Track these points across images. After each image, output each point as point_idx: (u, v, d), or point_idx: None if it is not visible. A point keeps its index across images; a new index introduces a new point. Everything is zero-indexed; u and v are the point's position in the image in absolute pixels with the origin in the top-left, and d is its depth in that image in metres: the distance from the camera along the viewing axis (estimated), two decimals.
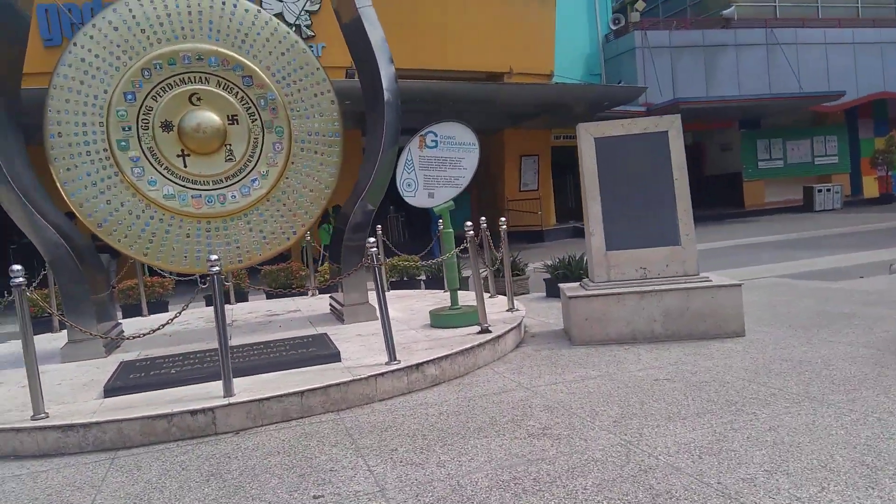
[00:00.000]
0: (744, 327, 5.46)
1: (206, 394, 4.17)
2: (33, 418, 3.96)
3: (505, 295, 6.90)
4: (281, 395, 4.08)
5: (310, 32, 17.80)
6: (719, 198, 26.79)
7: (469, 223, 5.62)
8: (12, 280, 4.01)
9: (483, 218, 7.06)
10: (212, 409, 3.94)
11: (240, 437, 3.86)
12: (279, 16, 17.43)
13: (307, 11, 17.58)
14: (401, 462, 3.27)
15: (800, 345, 5.01)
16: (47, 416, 3.99)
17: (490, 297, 7.41)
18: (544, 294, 8.58)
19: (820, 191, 24.03)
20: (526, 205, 21.38)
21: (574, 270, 8.10)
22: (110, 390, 4.41)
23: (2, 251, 17.86)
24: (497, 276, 8.05)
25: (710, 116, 24.69)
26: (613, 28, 26.09)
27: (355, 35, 6.81)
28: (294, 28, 17.58)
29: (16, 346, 6.88)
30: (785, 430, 3.28)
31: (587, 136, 5.92)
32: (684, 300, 5.49)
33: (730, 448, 3.10)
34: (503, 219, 7.11)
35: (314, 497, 2.95)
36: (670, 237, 5.76)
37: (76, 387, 4.77)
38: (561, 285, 6.45)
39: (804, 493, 2.59)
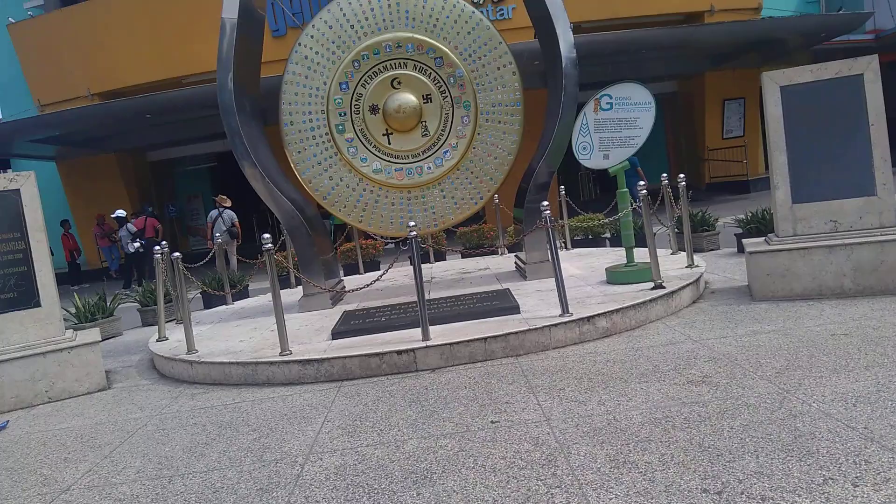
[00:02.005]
0: None
1: (409, 338, 5.01)
2: (281, 354, 5.10)
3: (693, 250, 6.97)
4: (468, 341, 4.78)
5: None
6: None
7: (663, 175, 5.75)
8: (263, 245, 5.15)
9: (664, 174, 7.11)
10: (413, 350, 4.77)
11: (435, 374, 4.64)
12: None
13: None
14: (566, 399, 3.78)
15: None
16: (291, 353, 5.10)
17: (672, 253, 7.48)
18: (735, 250, 8.37)
19: None
20: (730, 153, 20.06)
21: (768, 224, 7.81)
22: (336, 334, 5.47)
23: (249, 221, 20.99)
24: (681, 232, 8.04)
25: None
26: None
27: (535, 4, 7.17)
28: None
29: (264, 299, 8.50)
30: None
31: (772, 84, 5.74)
32: (878, 253, 5.22)
33: (888, 398, 3.16)
34: (682, 175, 7.08)
35: (492, 422, 3.59)
36: (865, 187, 5.45)
37: (311, 331, 5.92)
38: (745, 240, 6.38)
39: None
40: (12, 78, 20.82)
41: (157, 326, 6.86)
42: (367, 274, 9.77)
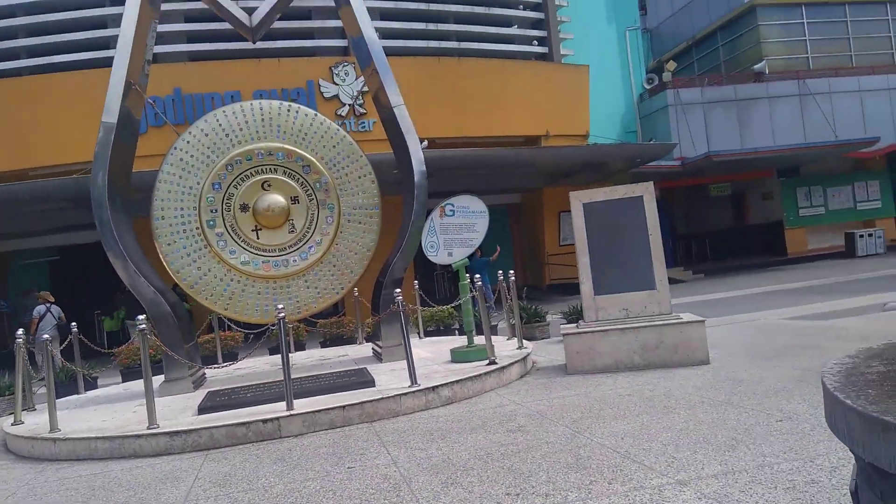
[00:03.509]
0: (708, 357, 6.54)
1: (273, 410, 5.57)
2: (149, 428, 5.43)
3: (526, 338, 8.15)
4: (328, 409, 5.44)
5: (362, 110, 19.79)
6: (762, 246, 27.23)
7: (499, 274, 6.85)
8: (138, 326, 5.57)
9: (500, 273, 8.36)
10: (277, 419, 5.33)
11: (297, 439, 5.22)
12: (336, 97, 19.60)
13: (360, 92, 19.57)
14: (411, 448, 4.56)
15: (749, 369, 6.06)
16: (158, 427, 5.45)
17: (508, 339, 8.63)
18: (561, 338, 9.72)
19: (862, 236, 24.27)
20: (566, 258, 22.45)
21: (581, 314, 9.26)
22: (202, 409, 5.88)
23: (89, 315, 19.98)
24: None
25: (747, 167, 25.51)
26: (647, 87, 27.47)
27: (391, 126, 8.42)
28: (348, 107, 19.73)
29: (117, 388, 8.54)
30: (695, 420, 4.42)
31: (577, 201, 7.24)
32: (658, 335, 6.63)
33: (646, 433, 4.27)
34: (511, 272, 8.37)
35: (348, 467, 4.26)
36: (648, 282, 6.94)
37: (176, 410, 6.24)
38: (561, 326, 7.66)
39: (681, 454, 3.75)
40: None
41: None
42: (226, 365, 10.01)
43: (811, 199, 26.67)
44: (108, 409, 6.89)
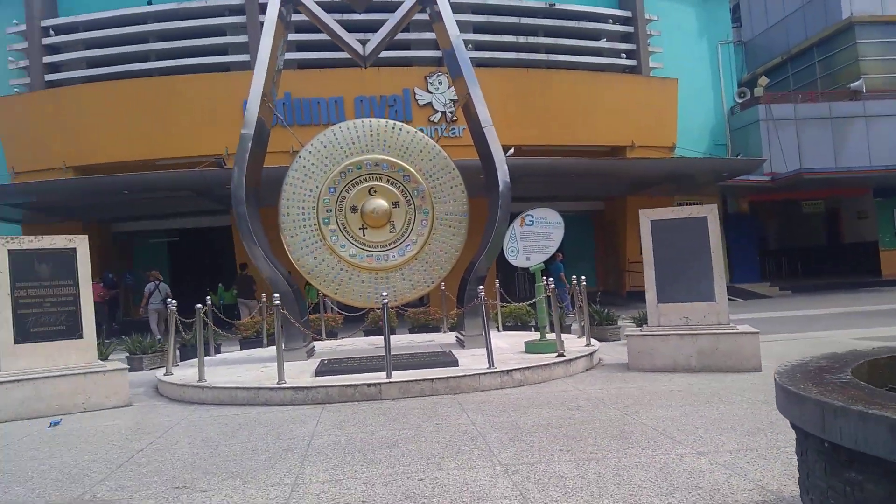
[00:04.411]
0: (760, 365, 7.22)
1: (375, 377, 6.76)
2: (278, 383, 6.74)
3: (595, 338, 9.07)
4: (420, 380, 6.60)
5: (453, 118, 20.98)
6: (855, 266, 26.53)
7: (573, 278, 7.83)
8: (274, 301, 6.90)
9: (574, 277, 9.26)
10: (379, 384, 6.53)
11: (394, 402, 6.39)
12: (429, 104, 20.90)
13: (451, 100, 20.75)
14: (486, 415, 5.61)
15: None
16: (285, 383, 6.76)
17: (579, 337, 9.52)
18: None
19: None
20: None
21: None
22: (319, 372, 7.19)
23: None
24: (591, 324, 10.15)
25: (841, 184, 24.98)
26: (739, 101, 27.27)
27: (480, 143, 9.48)
28: (440, 114, 20.97)
29: (241, 354, 10.04)
30: (730, 413, 5.25)
31: (645, 219, 8.07)
32: (714, 342, 7.38)
33: (685, 419, 5.14)
34: (583, 278, 9.26)
35: (436, 423, 5.37)
36: (708, 295, 7.69)
37: (295, 373, 7.55)
38: (627, 329, 8.50)
39: (708, 435, 4.62)
40: None
41: (141, 371, 8.38)
42: (328, 341, 11.43)
43: None
44: (239, 368, 8.34)
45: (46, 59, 21.57)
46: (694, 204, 24.82)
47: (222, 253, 22.22)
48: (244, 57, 21.02)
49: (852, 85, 25.36)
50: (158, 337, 13.66)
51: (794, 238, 30.67)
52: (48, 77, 21.63)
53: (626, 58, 23.89)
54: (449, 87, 20.49)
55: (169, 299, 14.30)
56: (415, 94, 20.88)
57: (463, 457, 4.37)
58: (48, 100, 20.91)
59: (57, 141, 20.22)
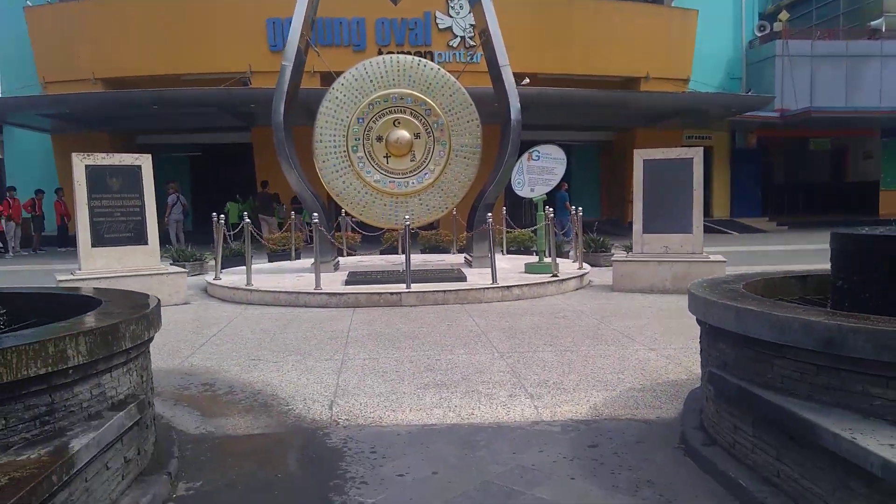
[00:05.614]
0: None
1: (397, 288, 8.03)
2: (315, 289, 8.03)
3: (589, 264, 10.27)
4: (434, 291, 7.87)
5: (472, 42, 21.41)
6: (856, 205, 27.34)
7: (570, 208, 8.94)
8: (313, 220, 8.09)
9: (574, 207, 10.36)
10: (400, 293, 7.81)
11: (412, 308, 7.68)
12: (449, 29, 21.31)
13: (471, 25, 21.12)
14: (489, 320, 6.89)
15: None
16: (321, 289, 8.04)
17: (573, 261, 10.73)
18: None
19: None
20: None
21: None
22: (348, 282, 8.48)
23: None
24: (588, 251, 11.33)
25: (850, 124, 25.44)
26: (759, 35, 27.31)
27: (496, 78, 10.37)
28: (459, 39, 21.41)
29: (272, 265, 11.34)
30: (687, 325, 6.47)
31: (639, 158, 9.07)
32: (686, 268, 8.55)
33: (648, 327, 6.39)
34: (580, 208, 10.37)
35: (448, 324, 6.65)
36: (686, 227, 8.80)
37: (326, 282, 8.82)
38: (614, 254, 9.67)
39: (662, 337, 5.86)
40: (17, 54, 22.64)
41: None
42: (349, 257, 12.71)
43: None
44: (276, 276, 9.64)
45: None
46: (703, 138, 25.62)
47: (243, 169, 23.24)
48: None
49: (872, 23, 25.34)
50: (178, 245, 14.54)
51: (800, 175, 31.30)
52: None
53: None
54: (469, 12, 20.84)
55: (185, 209, 15.82)
56: (436, 17, 21.21)
57: (469, 346, 5.66)
58: (79, 10, 21.45)
59: (86, 52, 20.90)
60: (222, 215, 9.78)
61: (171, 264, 11.82)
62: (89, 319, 2.74)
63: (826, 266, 3.70)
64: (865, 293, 3.24)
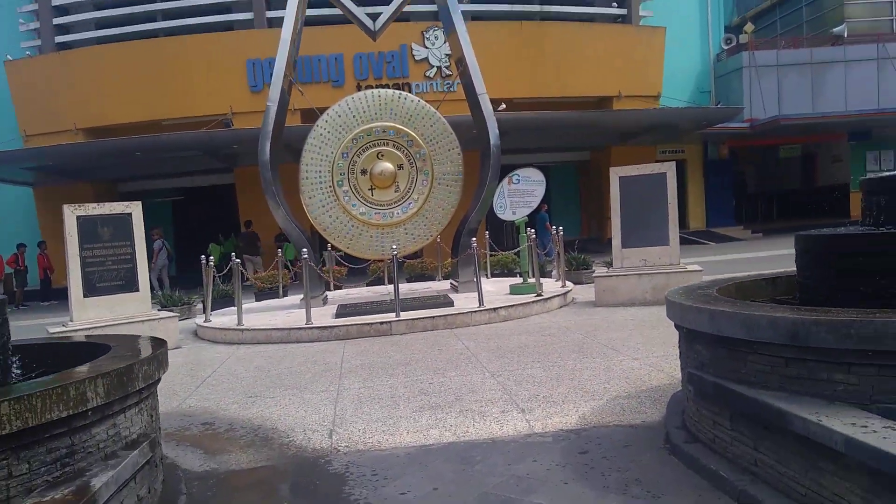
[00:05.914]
0: None
1: (386, 317, 8.20)
2: (306, 324, 8.18)
3: (571, 281, 10.51)
4: (422, 318, 8.05)
5: (448, 72, 21.80)
6: (828, 208, 27.95)
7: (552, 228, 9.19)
8: (302, 256, 8.28)
9: (555, 227, 10.64)
10: (390, 322, 7.98)
11: (402, 336, 7.85)
12: (426, 59, 21.73)
13: (446, 55, 21.53)
14: (478, 342, 7.08)
15: None
16: (312, 323, 8.19)
17: (556, 280, 10.97)
18: None
19: None
20: None
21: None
22: (338, 315, 8.63)
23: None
24: (569, 269, 11.58)
25: (818, 130, 26.13)
26: (725, 48, 28.11)
27: (474, 105, 10.67)
28: (436, 69, 21.84)
29: (262, 304, 11.47)
30: (668, 334, 6.70)
31: (615, 175, 9.38)
32: (665, 279, 8.81)
33: (631, 339, 6.61)
34: (561, 228, 10.64)
35: (438, 349, 6.82)
36: (663, 240, 9.09)
37: (317, 316, 8.94)
38: (596, 270, 9.93)
39: (645, 347, 6.08)
40: None
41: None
42: (336, 291, 12.87)
43: (880, 163, 27.04)
44: (265, 314, 9.77)
45: (56, 21, 22.21)
46: (677, 152, 26.18)
47: (226, 211, 23.30)
48: (248, 15, 21.82)
49: (834, 30, 26.18)
50: (160, 291, 14.28)
51: (771, 182, 31.95)
52: (58, 39, 22.31)
53: (617, 6, 24.62)
54: (444, 42, 21.26)
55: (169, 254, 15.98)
56: (412, 49, 21.63)
57: (460, 368, 5.84)
58: (58, 62, 21.67)
59: (67, 103, 21.08)
60: (211, 257, 9.93)
61: (159, 310, 11.97)
62: (105, 362, 2.92)
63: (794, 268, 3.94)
64: (824, 288, 3.50)
